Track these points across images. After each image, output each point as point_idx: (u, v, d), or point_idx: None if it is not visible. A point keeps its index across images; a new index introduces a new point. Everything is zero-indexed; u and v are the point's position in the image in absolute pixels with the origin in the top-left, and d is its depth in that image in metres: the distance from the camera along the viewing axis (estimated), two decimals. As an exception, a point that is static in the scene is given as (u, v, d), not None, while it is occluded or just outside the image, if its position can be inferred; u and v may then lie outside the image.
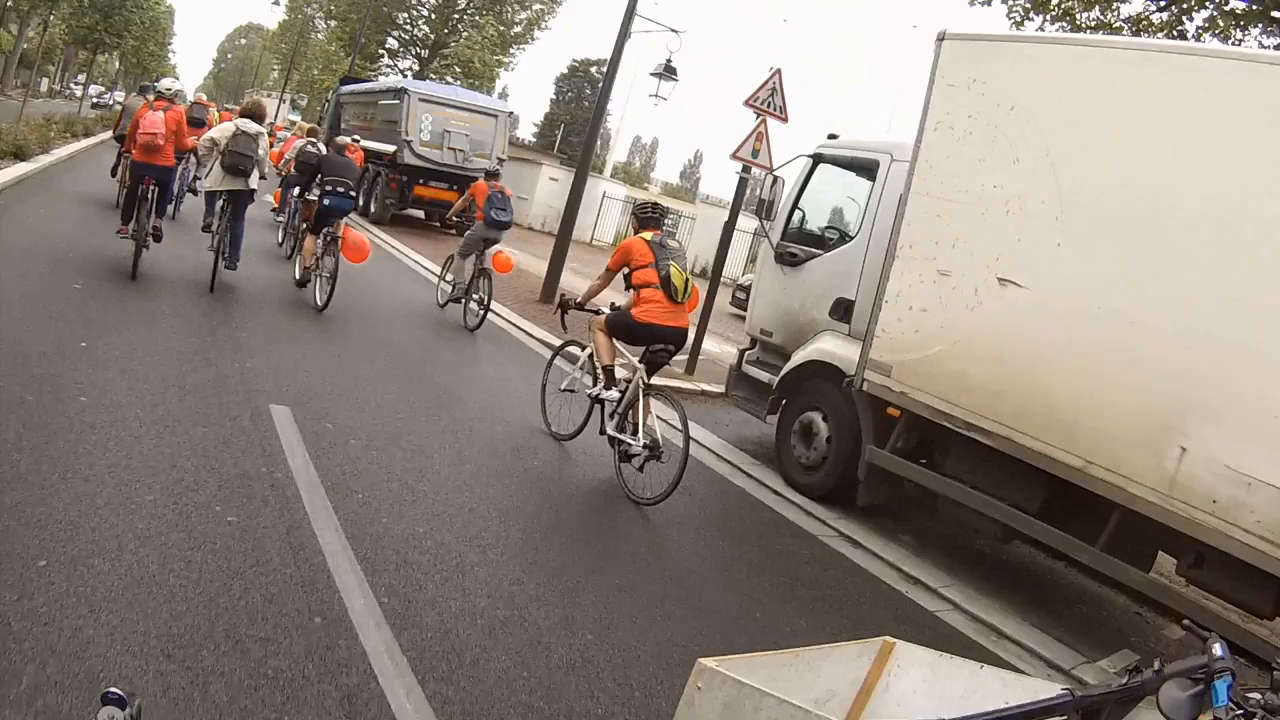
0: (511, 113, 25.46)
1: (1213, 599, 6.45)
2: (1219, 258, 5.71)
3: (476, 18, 44.75)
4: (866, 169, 8.63)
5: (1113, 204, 6.26)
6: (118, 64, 68.01)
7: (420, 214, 25.03)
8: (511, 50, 45.66)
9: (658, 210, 7.60)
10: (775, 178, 9.01)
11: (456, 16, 46.37)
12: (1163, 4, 14.55)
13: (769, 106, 11.59)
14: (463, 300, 12.45)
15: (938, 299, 7.16)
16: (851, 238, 8.61)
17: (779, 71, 11.68)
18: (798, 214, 9.20)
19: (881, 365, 7.47)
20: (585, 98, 65.09)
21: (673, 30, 16.06)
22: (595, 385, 7.54)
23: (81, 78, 65.51)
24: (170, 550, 4.15)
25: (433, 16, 47.10)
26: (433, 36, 46.93)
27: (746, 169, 11.70)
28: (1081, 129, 6.53)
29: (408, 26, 48.03)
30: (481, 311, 12.03)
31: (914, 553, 7.50)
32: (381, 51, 48.44)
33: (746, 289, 22.01)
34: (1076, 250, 6.38)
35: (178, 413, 5.99)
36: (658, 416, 7.15)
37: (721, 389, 11.43)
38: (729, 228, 12.05)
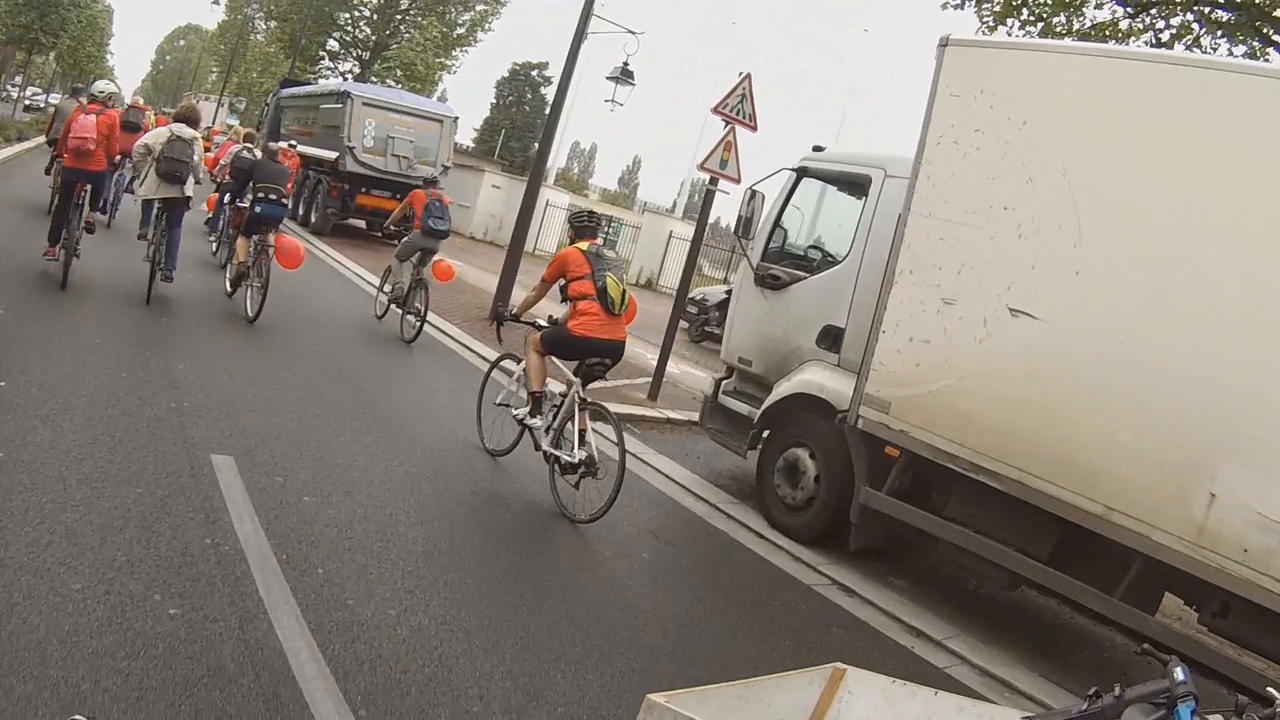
0: (457, 118, 24.56)
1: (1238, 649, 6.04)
2: (1252, 289, 5.31)
3: (419, 19, 43.79)
4: (857, 185, 8.07)
5: (1137, 230, 5.82)
6: (54, 65, 65.72)
7: (362, 224, 23.96)
8: (454, 52, 44.76)
9: (595, 219, 7.46)
10: (753, 192, 8.38)
11: (399, 17, 45.35)
12: (1131, 10, 14.30)
13: (738, 114, 11.01)
14: (401, 308, 12.23)
15: (942, 330, 6.66)
16: (840, 260, 8.02)
17: (748, 76, 11.09)
18: (779, 233, 8.59)
19: (879, 401, 6.93)
20: (526, 102, 64.14)
21: (630, 31, 15.44)
22: (523, 408, 7.33)
23: (18, 79, 63.44)
24: (103, 660, 3.42)
25: (374, 17, 45.97)
26: (374, 38, 45.83)
27: (714, 180, 11.09)
28: (1102, 147, 6.08)
29: (349, 28, 46.83)
30: (418, 323, 11.83)
31: (910, 599, 7.00)
32: (322, 54, 47.13)
33: (696, 302, 21.35)
34: (1097, 280, 5.93)
35: (108, 470, 5.22)
36: (594, 430, 6.91)
37: (688, 416, 10.87)
38: (696, 242, 11.44)
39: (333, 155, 21.99)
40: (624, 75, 15.64)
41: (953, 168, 6.75)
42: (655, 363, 14.48)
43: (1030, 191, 6.31)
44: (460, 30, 45.11)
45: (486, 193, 32.65)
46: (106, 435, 5.74)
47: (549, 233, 31.51)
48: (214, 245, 14.73)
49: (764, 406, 7.99)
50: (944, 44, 7.03)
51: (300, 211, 23.77)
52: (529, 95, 64.37)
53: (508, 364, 8.14)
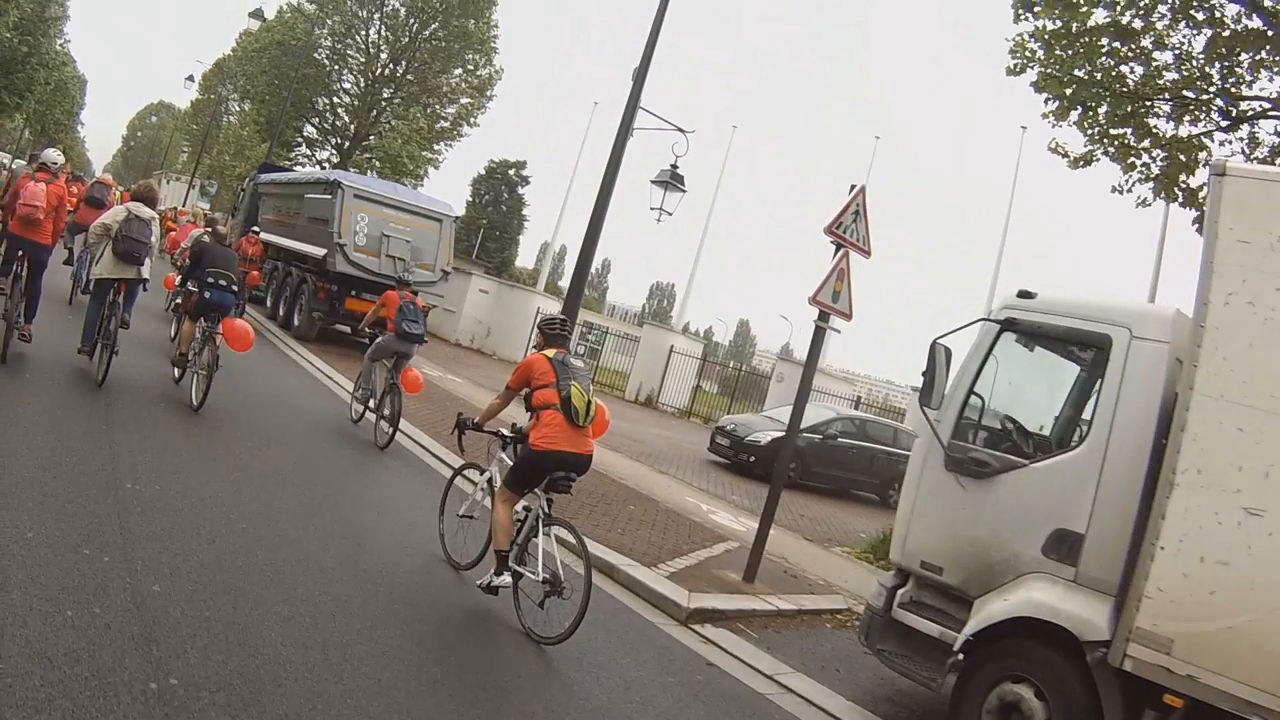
0: (457, 217, 22.93)
1: None
2: None
3: (403, 109, 42.70)
4: (1089, 345, 6.52)
5: None
6: (25, 131, 64.01)
7: (346, 329, 21.78)
8: (436, 147, 43.61)
9: (566, 327, 7.30)
10: (938, 346, 6.85)
11: (382, 105, 44.28)
12: (1226, 123, 13.27)
13: (852, 236, 9.56)
14: (374, 413, 12.20)
15: (1245, 548, 5.21)
16: (1073, 444, 6.41)
17: (863, 190, 9.57)
18: (975, 400, 6.96)
19: (1156, 638, 5.38)
20: (503, 201, 63.38)
21: (679, 130, 13.98)
22: (488, 574, 6.91)
23: None
24: None
25: (355, 104, 44.86)
26: (353, 126, 44.65)
27: (824, 316, 9.54)
28: None
29: (327, 114, 45.66)
30: (390, 430, 11.75)
31: None
32: (299, 139, 45.84)
33: (728, 433, 19.87)
34: None
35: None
36: (557, 540, 6.70)
37: (796, 602, 9.19)
38: (805, 386, 9.83)
39: (320, 252, 20.24)
40: (673, 180, 14.12)
41: (1250, 337, 5.39)
42: (721, 518, 13.03)
43: (1362, 376, 5.00)
44: (444, 123, 44.14)
45: (473, 297, 31.20)
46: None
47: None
48: (174, 330, 14.14)
49: (970, 629, 6.23)
50: (1221, 173, 5.70)
51: (280, 313, 22.07)
52: (505, 194, 63.63)
53: (470, 473, 8.02)
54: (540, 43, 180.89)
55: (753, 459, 19.23)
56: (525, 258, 69.36)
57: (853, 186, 9.66)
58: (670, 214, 14.36)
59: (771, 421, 20.32)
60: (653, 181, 14.31)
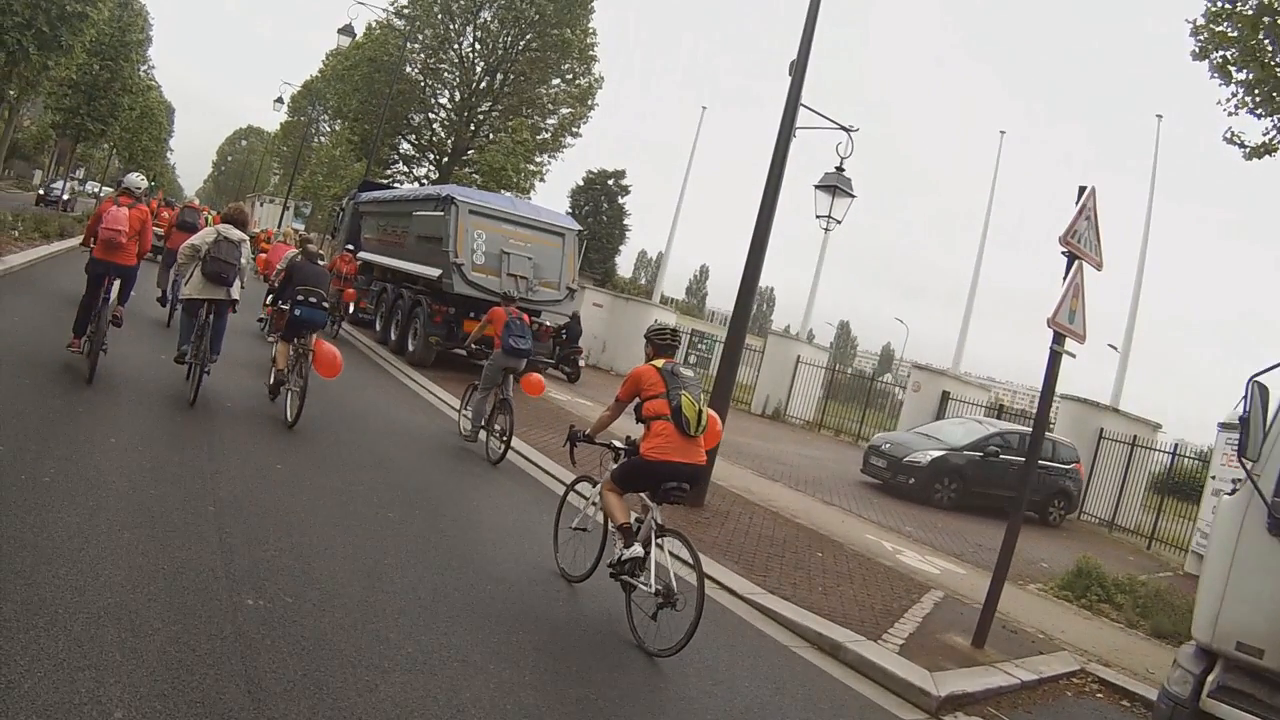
0: (580, 230, 22.10)
1: None
2: None
3: (502, 122, 42.51)
4: None
5: None
6: (115, 159, 65.71)
7: (462, 352, 21.13)
8: (538, 158, 43.27)
9: (676, 338, 7.41)
10: (1256, 385, 5.82)
11: (480, 118, 44.12)
12: None
13: (1086, 245, 8.57)
14: (485, 428, 12.40)
15: None
16: None
17: (1093, 192, 8.58)
18: None
19: None
20: (603, 211, 63.43)
21: (843, 128, 13.09)
22: (617, 550, 6.91)
23: (79, 172, 63.61)
24: None
25: (452, 118, 44.78)
26: (451, 141, 44.54)
27: (1060, 339, 8.52)
28: None
29: (424, 130, 45.67)
30: (502, 446, 12.00)
31: None
32: (395, 156, 45.91)
33: (884, 453, 19.01)
34: None
35: None
36: (670, 554, 6.76)
37: (1032, 669, 8.21)
38: (1042, 417, 8.87)
39: (434, 273, 19.66)
40: (840, 184, 13.19)
41: None
42: (909, 559, 12.12)
43: None
44: (545, 135, 43.82)
45: (588, 311, 30.71)
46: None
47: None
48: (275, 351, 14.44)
49: None
50: None
51: (392, 337, 21.64)
52: (605, 205, 63.63)
53: (583, 486, 8.17)
54: (638, 46, 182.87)
55: (912, 480, 18.47)
56: (623, 267, 69.59)
57: (1082, 189, 8.67)
58: (839, 222, 13.52)
59: (929, 439, 19.47)
60: (817, 186, 13.54)
